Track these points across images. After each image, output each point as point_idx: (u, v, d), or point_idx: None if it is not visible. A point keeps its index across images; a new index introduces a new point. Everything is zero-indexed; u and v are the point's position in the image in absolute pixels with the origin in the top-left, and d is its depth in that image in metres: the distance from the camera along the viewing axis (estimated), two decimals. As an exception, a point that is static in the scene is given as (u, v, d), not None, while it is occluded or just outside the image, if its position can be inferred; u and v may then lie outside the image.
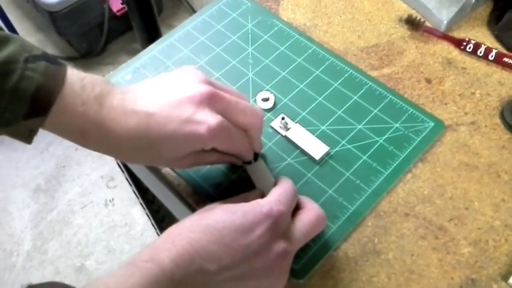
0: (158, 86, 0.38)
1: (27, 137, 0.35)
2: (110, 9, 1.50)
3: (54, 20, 1.45)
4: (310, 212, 0.38)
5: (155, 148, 0.36)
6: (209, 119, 0.36)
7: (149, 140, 0.36)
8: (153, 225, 0.88)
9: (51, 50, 1.66)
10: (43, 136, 0.38)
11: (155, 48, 0.54)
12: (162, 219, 0.85)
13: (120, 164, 0.66)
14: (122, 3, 1.50)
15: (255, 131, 0.40)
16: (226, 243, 0.33)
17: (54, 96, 0.34)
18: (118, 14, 1.51)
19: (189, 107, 0.36)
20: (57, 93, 0.34)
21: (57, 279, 1.27)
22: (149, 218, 0.85)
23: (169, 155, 0.37)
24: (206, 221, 0.34)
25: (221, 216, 0.34)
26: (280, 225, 0.34)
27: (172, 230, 0.34)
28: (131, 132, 0.36)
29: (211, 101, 0.36)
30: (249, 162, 0.43)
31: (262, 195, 0.40)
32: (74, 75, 0.35)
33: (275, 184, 0.40)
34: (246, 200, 0.38)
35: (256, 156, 0.43)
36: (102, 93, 0.36)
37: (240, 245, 0.33)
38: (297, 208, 0.38)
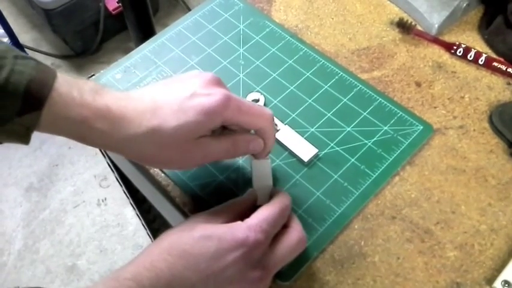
0: (160, 82, 0.39)
1: (24, 135, 0.34)
2: (106, 8, 1.50)
3: (50, 18, 1.44)
4: (293, 234, 0.37)
5: (163, 129, 0.35)
6: (216, 90, 0.36)
7: (157, 119, 0.35)
8: (143, 226, 0.88)
9: (46, 48, 1.66)
10: (36, 134, 0.36)
11: (146, 48, 0.54)
12: (153, 219, 0.85)
13: (110, 163, 0.65)
14: (117, 2, 1.50)
15: (265, 130, 0.39)
16: (201, 270, 0.34)
17: (47, 89, 0.33)
18: (114, 12, 1.51)
19: (195, 84, 0.36)
20: (50, 85, 0.33)
21: (48, 278, 1.26)
22: (140, 219, 0.85)
23: (179, 136, 0.35)
24: (183, 245, 0.34)
25: (197, 242, 0.34)
26: (254, 254, 0.35)
27: (152, 250, 0.35)
28: (139, 112, 0.35)
29: (217, 82, 0.37)
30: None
31: (255, 200, 0.39)
32: (62, 74, 0.35)
33: (270, 197, 0.39)
34: (235, 207, 0.38)
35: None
36: (96, 87, 0.35)
37: (213, 272, 0.34)
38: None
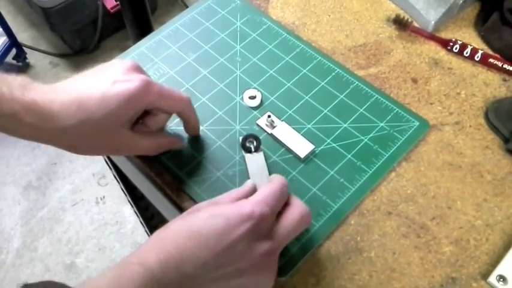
0: (82, 74, 0.41)
1: None
2: (104, 6, 1.50)
3: (48, 16, 1.44)
4: (295, 209, 0.38)
5: (90, 120, 0.37)
6: (135, 77, 0.38)
7: (83, 111, 0.37)
8: (141, 223, 0.88)
9: (44, 47, 1.66)
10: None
11: (143, 45, 0.54)
12: (151, 217, 0.85)
13: (107, 161, 0.65)
14: (115, 0, 1.50)
15: (186, 112, 0.43)
16: (211, 247, 0.33)
17: None
18: (112, 11, 1.51)
19: (115, 72, 0.39)
20: None
21: (47, 276, 1.26)
22: (138, 217, 0.85)
23: (105, 125, 0.38)
24: (191, 226, 0.34)
25: (205, 221, 0.34)
26: (262, 226, 0.35)
27: (160, 233, 0.35)
28: (64, 105, 0.37)
29: (137, 68, 0.40)
30: (250, 151, 0.43)
31: (253, 190, 0.40)
32: None
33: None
34: (236, 195, 0.38)
35: (257, 147, 0.43)
36: (25, 82, 0.37)
37: (223, 249, 0.34)
38: (284, 204, 0.38)
